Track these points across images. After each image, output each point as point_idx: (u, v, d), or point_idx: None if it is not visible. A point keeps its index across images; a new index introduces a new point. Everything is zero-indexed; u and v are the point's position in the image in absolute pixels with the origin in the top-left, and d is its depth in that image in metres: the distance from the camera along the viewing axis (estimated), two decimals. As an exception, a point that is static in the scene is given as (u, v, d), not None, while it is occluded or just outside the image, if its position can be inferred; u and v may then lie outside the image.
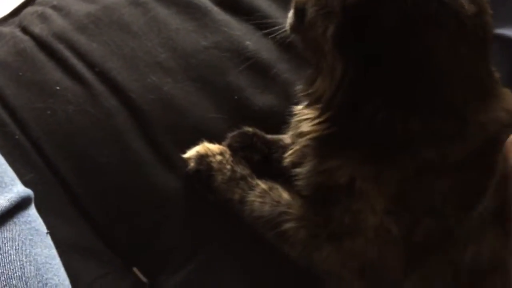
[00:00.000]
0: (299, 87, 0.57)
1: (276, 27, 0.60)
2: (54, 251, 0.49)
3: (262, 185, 0.58)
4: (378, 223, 0.50)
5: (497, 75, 0.52)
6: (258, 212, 0.57)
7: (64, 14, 0.70)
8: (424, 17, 0.45)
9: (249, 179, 0.59)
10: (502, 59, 0.66)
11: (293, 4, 0.55)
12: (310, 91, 0.54)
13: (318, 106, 0.54)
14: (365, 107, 0.48)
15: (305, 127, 0.55)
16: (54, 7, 0.71)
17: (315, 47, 0.52)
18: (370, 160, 0.50)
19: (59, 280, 0.46)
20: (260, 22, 0.63)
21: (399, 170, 0.49)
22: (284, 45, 0.66)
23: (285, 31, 0.57)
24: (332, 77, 0.50)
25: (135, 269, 0.60)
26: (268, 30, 0.61)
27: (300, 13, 0.53)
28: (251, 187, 0.58)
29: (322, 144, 0.53)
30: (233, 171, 0.59)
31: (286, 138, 0.61)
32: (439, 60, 0.46)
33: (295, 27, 0.55)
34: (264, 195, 0.57)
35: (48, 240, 0.49)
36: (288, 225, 0.55)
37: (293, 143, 0.58)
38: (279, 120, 0.61)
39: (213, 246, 0.61)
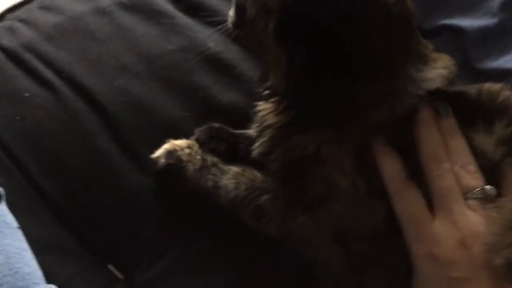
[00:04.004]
0: (258, 85, 0.60)
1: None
2: (25, 244, 0.50)
3: (234, 168, 0.60)
4: (349, 184, 0.53)
5: (430, 46, 0.57)
6: (233, 192, 0.58)
7: (31, 26, 0.72)
8: (354, 9, 0.50)
9: (221, 165, 0.60)
10: (454, 47, 0.69)
11: (233, 2, 0.58)
12: (266, 86, 0.58)
13: (276, 98, 0.57)
14: (315, 87, 0.52)
15: (270, 119, 0.58)
16: (22, 21, 0.73)
17: (257, 42, 0.56)
18: (330, 127, 0.54)
19: (30, 270, 0.47)
20: (219, 22, 0.65)
21: (356, 130, 0.53)
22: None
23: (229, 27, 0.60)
24: (279, 69, 0.53)
25: (110, 266, 0.61)
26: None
27: (240, 11, 0.56)
28: (224, 172, 0.60)
29: (287, 128, 0.56)
30: (203, 159, 0.60)
31: (251, 132, 0.63)
32: (373, 40, 0.51)
33: (237, 24, 0.58)
34: (238, 177, 0.59)
35: (19, 234, 0.50)
36: (264, 197, 0.57)
37: (258, 136, 0.60)
38: (244, 115, 0.63)
39: (185, 241, 0.62)
